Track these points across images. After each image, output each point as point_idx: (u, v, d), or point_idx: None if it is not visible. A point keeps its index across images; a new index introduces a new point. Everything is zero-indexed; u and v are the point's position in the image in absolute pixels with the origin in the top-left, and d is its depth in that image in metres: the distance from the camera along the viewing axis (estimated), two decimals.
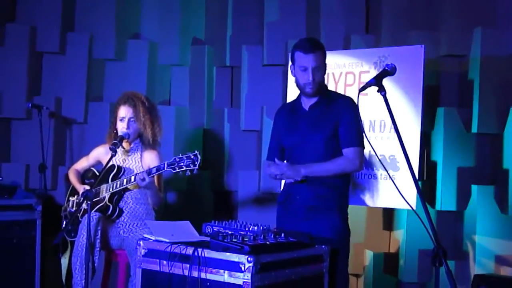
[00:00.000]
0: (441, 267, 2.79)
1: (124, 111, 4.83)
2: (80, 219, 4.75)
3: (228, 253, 3.36)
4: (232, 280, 3.31)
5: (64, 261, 5.04)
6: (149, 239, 3.76)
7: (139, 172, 4.63)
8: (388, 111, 3.03)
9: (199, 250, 3.44)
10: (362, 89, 3.15)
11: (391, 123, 3.06)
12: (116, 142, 4.56)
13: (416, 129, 4.92)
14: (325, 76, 4.15)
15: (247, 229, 3.73)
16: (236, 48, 6.35)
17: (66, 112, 6.13)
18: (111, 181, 4.73)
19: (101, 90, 6.32)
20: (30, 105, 5.77)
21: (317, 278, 3.75)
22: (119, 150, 4.77)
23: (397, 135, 3.03)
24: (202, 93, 6.45)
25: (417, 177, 4.82)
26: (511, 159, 4.93)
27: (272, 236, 3.72)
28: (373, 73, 5.02)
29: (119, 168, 4.80)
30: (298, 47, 4.03)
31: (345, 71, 5.29)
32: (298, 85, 4.10)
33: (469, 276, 4.93)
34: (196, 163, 4.30)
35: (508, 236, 4.97)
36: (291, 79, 4.22)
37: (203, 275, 3.41)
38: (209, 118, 6.47)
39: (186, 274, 3.46)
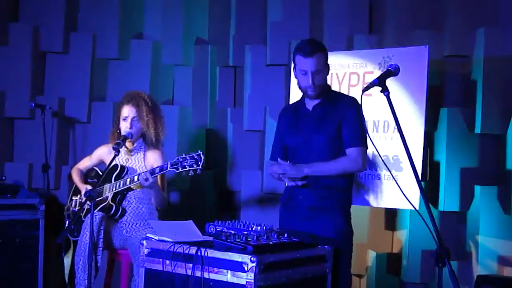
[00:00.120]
0: (444, 267, 2.78)
1: (127, 111, 4.83)
2: (83, 219, 4.75)
3: (231, 253, 3.36)
4: (235, 280, 3.31)
5: (67, 261, 5.05)
6: (152, 238, 3.77)
7: (142, 171, 4.63)
8: (391, 111, 3.03)
9: (202, 250, 3.44)
10: (365, 89, 3.14)
11: (394, 123, 3.06)
12: (119, 142, 4.56)
13: (420, 130, 4.92)
14: (329, 77, 4.14)
15: (250, 229, 3.73)
16: (239, 48, 6.35)
17: (69, 111, 6.13)
18: (114, 180, 4.73)
19: (104, 89, 6.32)
20: (33, 104, 5.78)
21: (320, 279, 3.75)
22: (122, 150, 4.77)
23: (400, 135, 3.03)
24: (205, 93, 6.45)
25: (420, 178, 4.82)
26: None
27: (275, 236, 3.72)
28: (377, 73, 5.00)
29: (122, 167, 4.80)
30: (298, 50, 4.01)
31: (349, 71, 5.28)
32: (299, 87, 4.10)
33: (472, 277, 4.93)
34: (199, 163, 4.30)
35: (511, 237, 4.96)
36: (294, 79, 4.21)
37: (206, 275, 3.41)
38: (212, 118, 6.48)
39: (189, 274, 3.46)
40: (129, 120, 4.81)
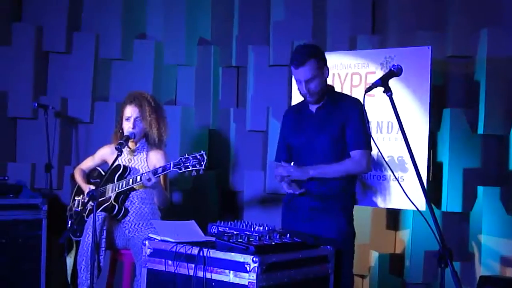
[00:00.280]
0: (447, 268, 2.78)
1: (130, 111, 4.83)
2: (85, 219, 4.76)
3: (233, 253, 3.36)
4: (237, 281, 3.31)
5: (70, 261, 5.05)
6: (155, 239, 3.77)
7: (145, 172, 4.64)
8: (394, 112, 3.03)
9: (205, 250, 3.44)
10: (368, 90, 3.14)
11: (398, 124, 3.05)
12: (121, 142, 4.56)
13: (424, 130, 4.91)
14: (331, 77, 4.14)
15: (252, 229, 3.73)
16: (242, 48, 6.35)
17: (72, 111, 6.14)
18: (117, 181, 4.74)
19: (107, 89, 6.33)
20: (36, 104, 5.78)
21: (322, 279, 3.75)
22: (125, 150, 4.77)
23: (403, 136, 3.02)
24: (208, 93, 6.45)
25: (424, 179, 4.82)
26: None
27: (278, 236, 3.71)
28: (380, 73, 5.01)
29: (125, 167, 4.80)
30: (290, 60, 4.03)
31: (351, 72, 5.28)
32: (299, 94, 4.13)
33: (475, 277, 4.92)
34: (202, 163, 4.30)
35: None
36: None
37: (208, 275, 3.41)
38: (215, 118, 6.48)
39: (192, 274, 3.46)
40: (132, 120, 4.81)
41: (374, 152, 4.23)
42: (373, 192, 5.11)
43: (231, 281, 3.34)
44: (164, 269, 3.62)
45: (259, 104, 6.15)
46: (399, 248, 5.62)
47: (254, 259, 3.26)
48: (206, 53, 6.48)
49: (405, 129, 3.05)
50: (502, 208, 5.02)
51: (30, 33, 6.05)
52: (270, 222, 3.96)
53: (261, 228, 3.73)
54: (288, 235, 3.76)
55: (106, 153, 5.09)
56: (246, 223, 3.88)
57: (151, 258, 3.71)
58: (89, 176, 5.15)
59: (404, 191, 3.28)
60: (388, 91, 3.06)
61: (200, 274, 3.44)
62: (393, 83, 3.10)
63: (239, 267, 3.31)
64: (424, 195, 2.95)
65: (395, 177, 4.00)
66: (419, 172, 2.96)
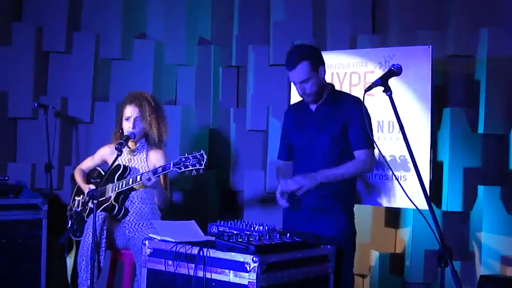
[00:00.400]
0: (447, 267, 2.78)
1: (130, 111, 4.83)
2: (85, 219, 4.75)
3: (233, 253, 3.36)
4: (237, 280, 3.31)
5: (70, 261, 5.05)
6: (155, 238, 3.77)
7: (145, 171, 4.63)
8: (394, 111, 3.03)
9: (205, 250, 3.44)
10: (368, 89, 3.14)
11: (397, 123, 3.05)
12: (121, 142, 4.56)
13: (426, 130, 4.90)
14: (329, 76, 4.13)
15: (252, 229, 3.73)
16: (242, 48, 6.35)
17: (72, 111, 6.13)
18: (117, 180, 4.74)
19: (107, 89, 6.33)
20: (36, 104, 5.78)
21: (322, 279, 3.75)
22: (125, 150, 4.77)
23: (403, 135, 3.02)
24: (208, 93, 6.45)
25: (426, 178, 4.82)
26: None
27: (278, 236, 3.72)
28: (378, 73, 5.01)
29: (125, 167, 4.80)
30: (285, 63, 4.03)
31: (349, 71, 5.26)
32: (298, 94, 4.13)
33: (475, 277, 4.92)
34: (202, 162, 4.29)
35: None
36: None
37: (208, 275, 3.41)
38: (215, 118, 6.48)
39: (192, 274, 3.46)
40: (131, 120, 4.81)
41: (376, 151, 4.23)
42: (377, 191, 5.10)
43: (231, 281, 3.34)
44: (164, 269, 3.62)
45: (259, 103, 6.15)
46: (399, 248, 5.62)
47: (254, 258, 3.26)
48: (206, 53, 6.48)
49: (406, 128, 3.05)
50: (502, 207, 5.02)
51: (30, 33, 6.05)
52: (270, 222, 3.96)
53: (261, 227, 3.73)
54: (288, 234, 3.76)
55: (106, 153, 5.09)
56: (246, 222, 3.87)
57: (151, 258, 3.71)
58: (89, 176, 5.15)
59: (403, 190, 3.28)
60: (387, 90, 3.06)
61: (200, 274, 3.44)
62: (394, 82, 3.10)
63: (239, 266, 3.31)
64: (424, 195, 2.95)
65: (395, 177, 4.01)
66: (418, 171, 2.96)
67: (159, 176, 4.55)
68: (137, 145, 4.90)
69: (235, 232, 3.72)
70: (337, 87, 5.12)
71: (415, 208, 3.01)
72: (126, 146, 4.66)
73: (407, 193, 3.21)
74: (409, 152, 2.98)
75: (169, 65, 6.44)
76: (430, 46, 4.93)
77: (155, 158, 4.84)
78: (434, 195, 5.23)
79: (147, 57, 6.28)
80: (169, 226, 3.88)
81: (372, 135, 4.01)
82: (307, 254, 3.65)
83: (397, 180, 3.55)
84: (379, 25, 5.91)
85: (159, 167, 4.53)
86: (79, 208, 4.96)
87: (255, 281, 3.25)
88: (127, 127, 4.82)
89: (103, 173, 5.00)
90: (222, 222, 3.93)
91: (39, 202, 5.46)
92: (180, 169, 4.35)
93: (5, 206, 5.34)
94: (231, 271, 3.34)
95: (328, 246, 3.79)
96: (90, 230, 4.49)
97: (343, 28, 5.88)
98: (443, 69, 5.46)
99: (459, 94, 5.46)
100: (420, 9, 5.66)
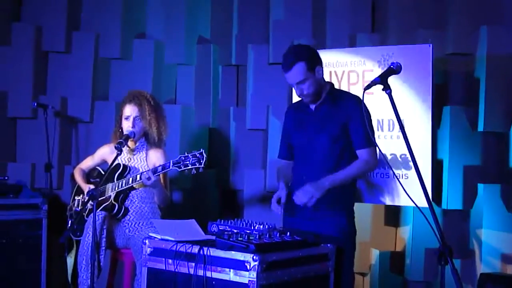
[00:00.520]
0: (447, 265, 2.78)
1: (129, 110, 4.83)
2: (85, 218, 4.76)
3: (233, 252, 3.36)
4: (237, 279, 3.31)
5: (70, 260, 5.05)
6: (155, 238, 3.77)
7: (144, 170, 4.63)
8: (394, 109, 3.03)
9: (205, 248, 3.44)
10: (367, 87, 3.13)
11: (397, 122, 3.05)
12: (121, 141, 4.55)
13: (427, 128, 4.89)
14: (328, 75, 4.12)
15: (252, 227, 3.73)
16: (242, 47, 6.34)
17: (71, 111, 6.13)
18: (117, 180, 4.74)
19: (107, 89, 6.32)
20: (35, 104, 5.77)
21: (322, 277, 3.75)
22: (125, 149, 4.76)
23: (403, 134, 3.02)
24: (208, 92, 6.45)
25: (429, 176, 4.82)
26: None
27: (278, 235, 3.72)
28: (377, 71, 5.00)
29: (125, 167, 4.80)
30: (281, 65, 4.02)
31: (347, 69, 5.24)
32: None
33: (475, 275, 4.92)
34: (201, 161, 4.30)
35: None
36: None
37: (208, 274, 3.41)
38: (215, 117, 6.47)
39: (192, 273, 3.47)
40: (131, 119, 4.81)
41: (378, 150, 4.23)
42: (379, 189, 5.10)
43: (231, 279, 3.34)
44: (164, 268, 3.62)
45: (259, 102, 6.14)
46: (400, 246, 5.62)
47: (255, 257, 3.26)
48: (205, 52, 6.47)
49: (407, 127, 3.05)
50: (502, 205, 5.02)
51: (29, 33, 6.05)
52: (270, 221, 3.95)
53: (261, 226, 3.73)
54: (288, 233, 3.76)
55: (105, 152, 5.08)
56: (246, 221, 3.87)
57: (151, 257, 3.71)
58: (89, 175, 5.14)
59: (403, 188, 3.27)
60: (387, 89, 3.06)
61: (201, 272, 3.44)
62: (394, 81, 3.09)
63: (240, 265, 3.31)
64: (424, 193, 2.95)
65: (394, 175, 4.00)
66: (418, 170, 2.96)
67: (159, 175, 4.55)
68: (137, 144, 4.90)
69: (235, 231, 3.72)
70: (336, 86, 5.13)
71: (423, 206, 3.01)
72: (125, 145, 4.66)
73: (406, 191, 3.21)
74: (408, 151, 2.98)
75: (168, 65, 6.43)
76: (431, 45, 4.92)
77: (155, 157, 4.84)
78: (434, 193, 5.23)
79: (147, 57, 6.27)
80: (169, 225, 3.88)
81: (373, 132, 3.99)
82: (308, 253, 3.65)
83: (397, 178, 3.54)
84: (378, 24, 5.91)
85: (158, 166, 4.53)
86: (79, 208, 4.96)
87: (255, 279, 3.25)
88: (126, 126, 4.82)
89: (103, 172, 5.00)
90: (222, 221, 3.93)
91: (39, 202, 5.46)
92: (180, 168, 4.36)
93: (5, 206, 5.34)
94: (232, 270, 3.34)
95: (328, 245, 3.78)
96: (90, 229, 4.49)
97: (342, 27, 5.88)
98: (443, 67, 5.46)
99: (459, 92, 5.46)
100: (420, 8, 5.66)
